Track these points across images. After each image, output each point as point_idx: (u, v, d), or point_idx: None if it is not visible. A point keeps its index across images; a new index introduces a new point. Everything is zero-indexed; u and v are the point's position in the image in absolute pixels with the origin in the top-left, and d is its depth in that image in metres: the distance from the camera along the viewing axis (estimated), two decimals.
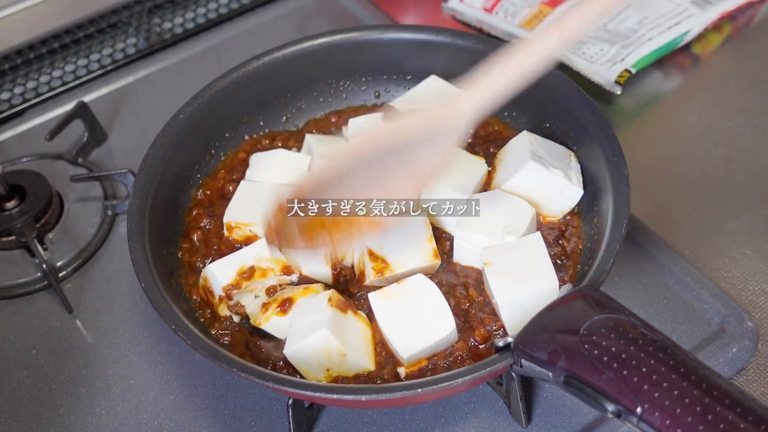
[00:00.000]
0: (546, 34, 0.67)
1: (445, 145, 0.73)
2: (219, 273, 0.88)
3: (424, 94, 1.05)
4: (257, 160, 1.00)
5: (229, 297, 0.88)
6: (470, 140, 1.03)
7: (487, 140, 1.03)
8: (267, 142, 1.06)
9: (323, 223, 0.79)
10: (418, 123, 0.71)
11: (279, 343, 0.86)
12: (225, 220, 0.94)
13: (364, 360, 0.82)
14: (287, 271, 0.90)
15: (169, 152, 0.96)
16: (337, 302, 0.84)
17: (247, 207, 0.95)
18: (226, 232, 0.95)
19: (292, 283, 0.90)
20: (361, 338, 0.84)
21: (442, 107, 0.72)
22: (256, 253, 0.90)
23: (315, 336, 0.80)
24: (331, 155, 0.76)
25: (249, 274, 0.89)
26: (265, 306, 0.87)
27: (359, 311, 0.86)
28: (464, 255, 0.90)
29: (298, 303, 0.85)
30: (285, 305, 0.86)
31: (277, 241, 0.83)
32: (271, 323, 0.86)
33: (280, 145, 1.05)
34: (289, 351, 0.82)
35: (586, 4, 0.64)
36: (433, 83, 1.06)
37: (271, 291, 0.89)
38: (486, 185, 0.96)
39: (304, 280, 0.91)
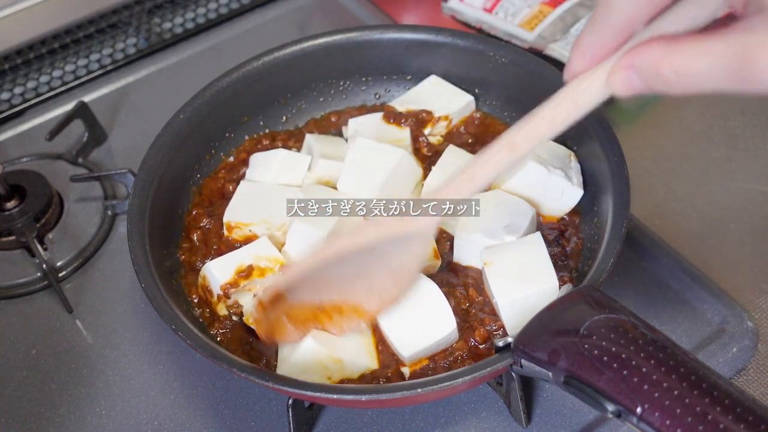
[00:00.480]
0: (496, 151, 0.70)
1: (419, 247, 0.78)
2: (217, 271, 0.88)
3: (424, 95, 1.05)
4: (257, 159, 1.00)
5: (227, 296, 0.88)
6: (470, 140, 1.04)
7: (485, 142, 1.03)
8: (267, 142, 1.06)
9: (314, 314, 0.82)
10: (393, 227, 0.75)
11: None
12: (225, 219, 0.94)
13: (364, 360, 0.82)
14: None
15: (169, 152, 0.96)
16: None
17: (247, 207, 0.95)
18: (225, 232, 0.95)
19: None
20: (357, 339, 0.84)
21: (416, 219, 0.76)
22: (255, 252, 0.90)
23: (302, 350, 0.81)
24: (310, 253, 0.79)
25: (247, 272, 0.89)
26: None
27: None
28: (464, 255, 0.90)
29: None
30: (241, 279, 0.87)
31: (270, 339, 0.84)
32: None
33: (280, 145, 1.05)
34: (282, 371, 0.82)
35: (532, 123, 0.68)
36: (433, 83, 1.06)
37: None
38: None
39: None
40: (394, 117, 1.02)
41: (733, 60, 0.52)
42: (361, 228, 0.78)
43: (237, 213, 0.94)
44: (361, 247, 0.75)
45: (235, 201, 0.96)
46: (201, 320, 0.89)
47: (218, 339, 0.87)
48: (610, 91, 0.63)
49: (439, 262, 0.90)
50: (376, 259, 0.77)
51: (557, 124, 0.66)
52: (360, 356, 0.82)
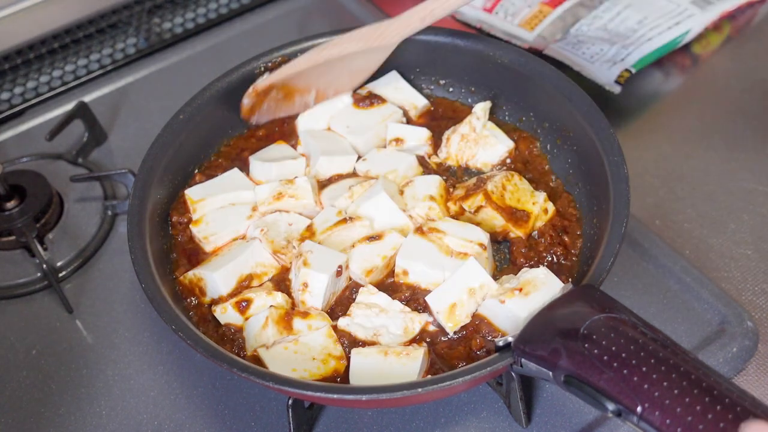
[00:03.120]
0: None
1: (377, 56, 1.02)
2: (221, 282, 0.89)
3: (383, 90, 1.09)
4: (256, 159, 1.01)
5: (220, 301, 0.90)
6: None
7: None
8: (267, 141, 1.06)
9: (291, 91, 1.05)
10: (359, 41, 1.01)
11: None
12: (194, 232, 0.95)
13: (318, 367, 0.83)
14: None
15: (169, 152, 0.96)
16: (279, 318, 0.85)
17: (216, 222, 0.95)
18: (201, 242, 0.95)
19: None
20: (314, 348, 0.84)
21: (379, 34, 1.00)
22: (253, 259, 0.91)
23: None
24: (293, 61, 1.03)
25: (248, 281, 0.91)
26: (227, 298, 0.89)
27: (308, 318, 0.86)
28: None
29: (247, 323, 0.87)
30: (242, 304, 0.87)
31: (254, 115, 1.05)
32: (227, 315, 0.88)
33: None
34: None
35: None
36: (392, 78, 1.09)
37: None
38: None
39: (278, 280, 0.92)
40: (362, 100, 1.06)
41: None
42: (336, 43, 1.01)
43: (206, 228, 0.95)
44: (334, 56, 1.01)
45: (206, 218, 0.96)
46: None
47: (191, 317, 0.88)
48: None
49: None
50: (344, 64, 1.02)
51: None
52: (314, 366, 0.83)
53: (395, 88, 1.08)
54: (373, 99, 1.06)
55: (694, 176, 1.10)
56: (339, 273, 0.88)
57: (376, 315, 0.85)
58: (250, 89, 1.03)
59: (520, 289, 0.82)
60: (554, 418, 0.87)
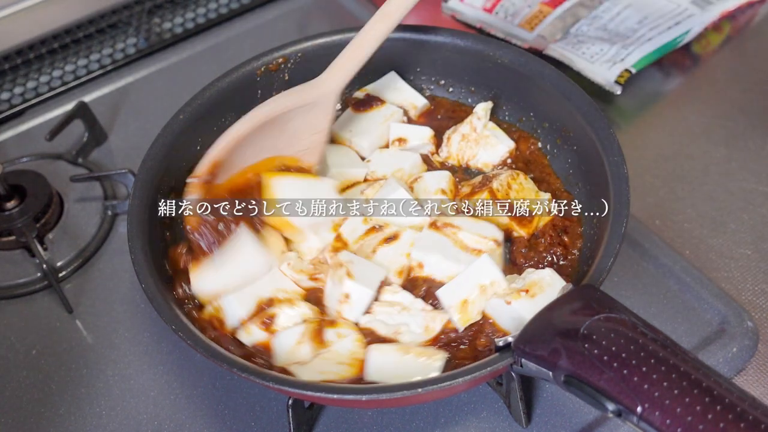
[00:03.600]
0: (375, 23, 0.95)
1: (320, 112, 0.94)
2: (237, 305, 0.86)
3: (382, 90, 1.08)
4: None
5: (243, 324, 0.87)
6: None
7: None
8: None
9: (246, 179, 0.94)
10: (295, 98, 0.93)
11: None
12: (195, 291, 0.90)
13: (346, 370, 0.82)
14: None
15: (169, 152, 0.96)
16: (313, 334, 0.84)
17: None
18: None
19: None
20: (342, 355, 0.83)
21: (313, 86, 0.94)
22: (274, 286, 0.88)
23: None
24: (226, 134, 0.92)
25: (269, 303, 0.87)
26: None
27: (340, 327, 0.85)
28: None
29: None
30: (266, 320, 0.85)
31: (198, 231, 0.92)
32: (253, 336, 0.85)
33: None
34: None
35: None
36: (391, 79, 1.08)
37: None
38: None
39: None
40: (360, 104, 1.05)
41: None
42: (264, 104, 0.94)
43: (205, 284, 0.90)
44: (262, 119, 0.92)
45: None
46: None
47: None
48: None
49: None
50: (280, 128, 0.93)
51: None
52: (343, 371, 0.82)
53: (394, 89, 1.08)
54: (371, 101, 1.06)
55: (694, 176, 1.10)
56: (380, 288, 0.87)
57: (398, 312, 0.85)
58: (193, 181, 0.90)
59: (527, 291, 0.82)
60: (554, 418, 0.87)
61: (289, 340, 0.84)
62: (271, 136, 0.94)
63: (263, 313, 0.86)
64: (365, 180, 1.00)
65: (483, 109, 1.01)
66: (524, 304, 0.81)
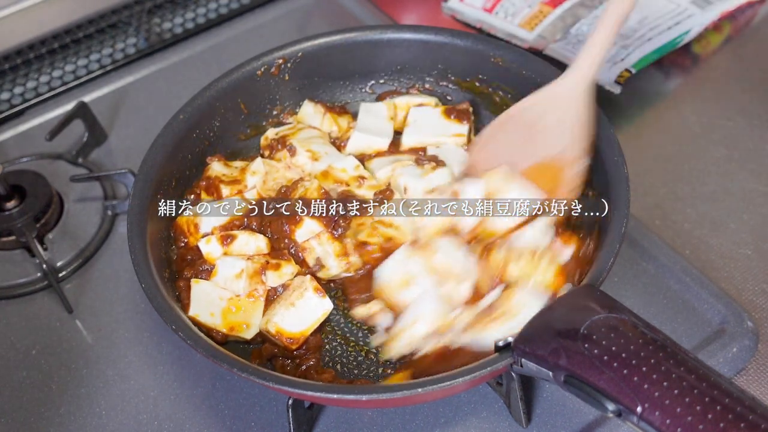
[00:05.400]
0: (614, 5, 0.86)
1: (570, 112, 0.90)
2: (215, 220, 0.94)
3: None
4: None
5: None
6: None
7: None
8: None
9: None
10: (539, 93, 0.91)
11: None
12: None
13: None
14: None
15: (169, 152, 0.96)
16: (254, 273, 0.90)
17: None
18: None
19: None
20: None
21: (558, 82, 0.90)
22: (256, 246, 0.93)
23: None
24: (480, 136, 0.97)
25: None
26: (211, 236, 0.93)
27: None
28: None
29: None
30: (228, 239, 0.91)
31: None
32: (210, 246, 0.92)
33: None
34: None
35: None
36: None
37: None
38: None
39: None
40: (456, 113, 1.04)
41: None
42: (522, 102, 0.93)
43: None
44: (504, 118, 0.94)
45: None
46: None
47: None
48: None
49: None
50: (528, 126, 0.92)
51: None
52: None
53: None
54: (464, 116, 1.06)
55: (694, 176, 1.10)
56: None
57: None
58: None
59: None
60: (554, 418, 0.87)
61: (230, 269, 0.89)
62: (520, 135, 0.93)
63: (228, 233, 0.92)
64: (389, 151, 1.03)
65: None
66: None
